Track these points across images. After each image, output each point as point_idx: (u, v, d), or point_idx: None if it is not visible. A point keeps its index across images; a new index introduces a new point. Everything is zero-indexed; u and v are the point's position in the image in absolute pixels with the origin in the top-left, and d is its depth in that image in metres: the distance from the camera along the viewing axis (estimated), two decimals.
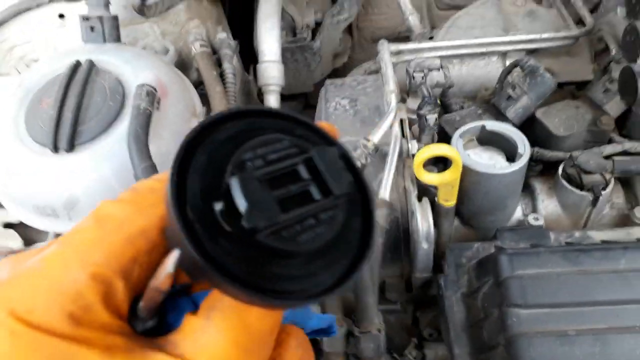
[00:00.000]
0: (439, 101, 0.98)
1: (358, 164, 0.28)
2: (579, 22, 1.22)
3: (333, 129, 0.33)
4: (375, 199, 0.28)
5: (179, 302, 0.31)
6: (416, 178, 0.84)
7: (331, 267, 0.29)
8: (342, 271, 0.29)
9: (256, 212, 0.26)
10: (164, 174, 0.29)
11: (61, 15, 1.01)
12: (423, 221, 0.80)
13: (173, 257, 0.27)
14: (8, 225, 0.98)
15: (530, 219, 0.89)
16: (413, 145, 0.90)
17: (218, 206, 0.27)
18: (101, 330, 0.28)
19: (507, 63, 1.16)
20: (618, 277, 0.68)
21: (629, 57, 0.88)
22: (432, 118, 0.89)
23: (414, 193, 0.86)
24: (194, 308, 0.31)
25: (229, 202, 0.26)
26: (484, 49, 1.15)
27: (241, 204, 0.26)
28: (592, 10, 1.31)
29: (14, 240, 0.96)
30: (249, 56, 1.30)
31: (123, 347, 0.28)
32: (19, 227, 0.98)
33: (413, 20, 1.32)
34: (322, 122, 0.33)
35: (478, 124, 0.90)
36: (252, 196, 0.26)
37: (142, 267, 0.30)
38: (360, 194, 0.31)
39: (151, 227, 0.30)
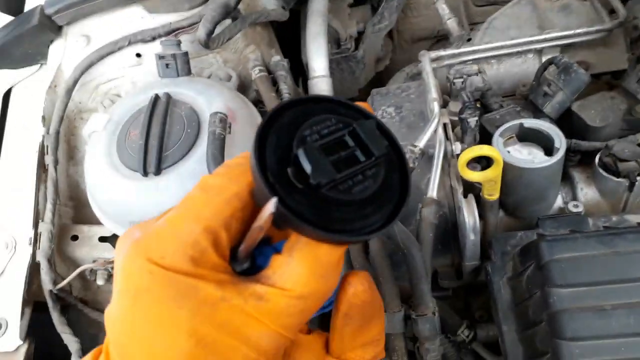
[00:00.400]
0: (478, 104, 1.06)
1: (391, 131, 0.40)
2: (613, 11, 1.26)
3: (368, 106, 0.42)
4: (406, 156, 0.40)
5: (264, 249, 0.41)
6: (461, 176, 0.93)
7: (380, 211, 0.37)
8: (388, 213, 0.38)
9: (319, 172, 0.35)
10: (246, 153, 0.39)
11: (138, 55, 1.16)
12: (469, 215, 0.90)
13: (273, 201, 0.34)
14: (103, 239, 1.14)
15: (571, 206, 0.97)
16: (457, 147, 0.99)
17: (290, 170, 0.35)
18: (213, 269, 0.37)
19: (543, 59, 1.22)
20: None
21: None
22: (473, 121, 0.98)
23: (460, 190, 0.95)
24: (276, 252, 0.40)
25: (297, 167, 0.35)
26: (519, 49, 1.22)
27: (307, 167, 0.35)
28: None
29: (109, 251, 1.12)
30: (295, 67, 1.41)
31: (229, 281, 0.37)
32: (113, 239, 1.13)
33: (451, 24, 1.40)
34: (358, 102, 0.41)
35: (516, 122, 0.98)
36: (314, 161, 0.35)
37: (238, 222, 0.38)
38: (396, 155, 0.40)
39: (242, 191, 0.38)
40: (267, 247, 0.41)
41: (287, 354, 0.42)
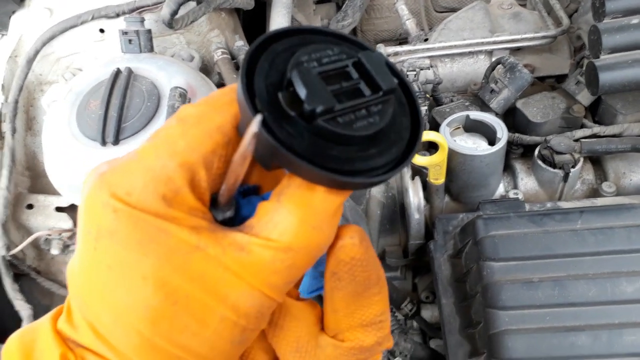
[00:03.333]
0: (428, 95, 1.12)
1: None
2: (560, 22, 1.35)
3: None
4: (418, 100, 0.35)
5: (251, 199, 0.36)
6: None
7: (385, 154, 0.32)
8: (394, 158, 0.33)
9: (315, 97, 0.29)
10: (234, 85, 0.33)
11: (101, 30, 1.17)
12: (414, 195, 0.95)
13: (257, 119, 0.29)
14: (59, 209, 1.13)
15: (511, 194, 1.03)
16: None
17: (282, 95, 0.30)
18: (188, 212, 0.31)
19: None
20: (575, 234, 0.81)
21: (593, 54, 1.01)
22: (422, 111, 1.03)
23: (407, 173, 1.00)
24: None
25: (290, 91, 0.30)
26: (471, 49, 1.29)
27: (301, 91, 0.30)
28: (575, 11, 1.45)
29: (65, 221, 1.12)
30: None
31: (207, 227, 0.31)
32: (69, 210, 1.13)
33: (410, 24, 1.46)
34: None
35: (463, 114, 1.04)
36: (310, 85, 0.30)
37: (220, 160, 0.32)
38: (406, 97, 0.35)
39: (226, 123, 0.32)
40: (255, 197, 0.36)
41: (272, 322, 0.36)
